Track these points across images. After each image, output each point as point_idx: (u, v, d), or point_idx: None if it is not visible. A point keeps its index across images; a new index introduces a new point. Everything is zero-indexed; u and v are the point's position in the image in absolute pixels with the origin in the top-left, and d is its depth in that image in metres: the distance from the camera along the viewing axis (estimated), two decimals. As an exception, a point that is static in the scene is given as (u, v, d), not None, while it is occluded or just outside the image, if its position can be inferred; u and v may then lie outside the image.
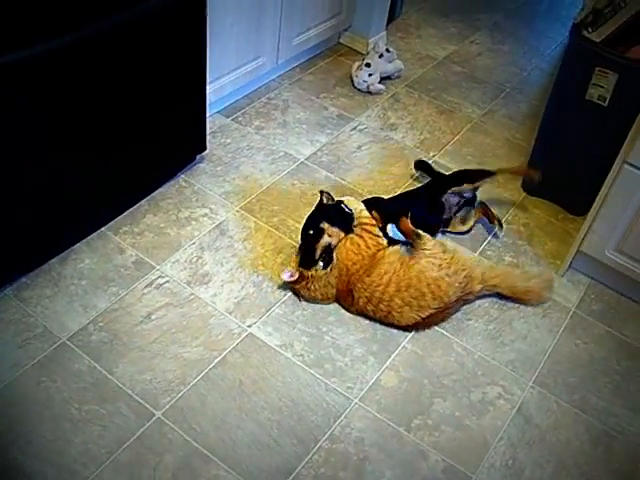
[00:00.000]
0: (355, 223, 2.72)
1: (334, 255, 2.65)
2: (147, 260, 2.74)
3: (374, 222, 2.74)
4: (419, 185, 3.16)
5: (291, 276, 2.61)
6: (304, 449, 2.25)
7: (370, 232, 2.70)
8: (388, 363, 2.54)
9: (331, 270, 2.63)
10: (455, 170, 3.23)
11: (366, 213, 2.75)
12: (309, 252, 2.64)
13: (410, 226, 2.70)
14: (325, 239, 2.65)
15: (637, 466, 2.37)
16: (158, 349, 2.46)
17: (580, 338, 2.74)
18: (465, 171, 3.18)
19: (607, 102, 2.84)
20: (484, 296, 2.79)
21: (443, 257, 2.65)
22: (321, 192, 2.77)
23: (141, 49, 2.52)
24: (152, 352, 2.44)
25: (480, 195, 3.16)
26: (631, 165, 2.55)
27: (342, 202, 2.76)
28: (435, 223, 2.96)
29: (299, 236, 2.76)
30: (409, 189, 3.19)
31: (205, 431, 2.25)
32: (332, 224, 2.68)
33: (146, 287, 2.65)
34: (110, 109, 2.54)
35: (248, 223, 2.95)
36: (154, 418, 2.26)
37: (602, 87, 2.81)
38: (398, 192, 3.16)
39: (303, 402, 2.37)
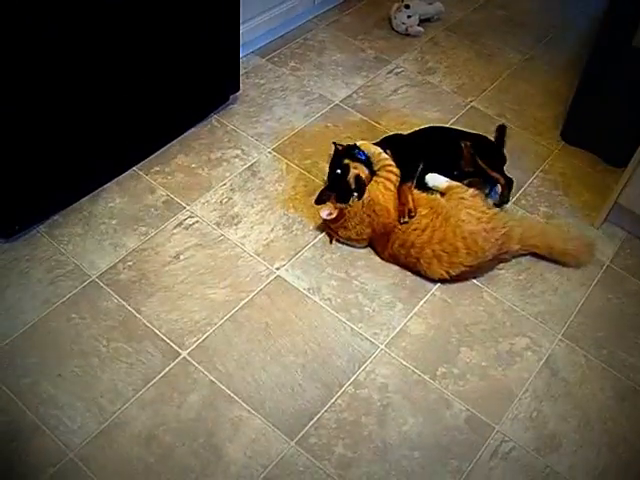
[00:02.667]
0: (377, 167, 2.70)
1: (366, 188, 2.62)
2: (177, 200, 2.74)
3: (393, 165, 2.71)
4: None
5: (329, 214, 2.59)
6: (328, 393, 2.26)
7: (394, 173, 2.68)
8: (416, 310, 2.52)
9: (365, 206, 2.60)
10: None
11: (384, 155, 2.72)
12: (343, 187, 2.62)
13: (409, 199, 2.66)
14: (352, 171, 2.63)
15: (661, 422, 2.35)
16: (185, 289, 2.46)
17: (612, 293, 2.69)
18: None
19: (654, 49, 2.76)
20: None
21: (484, 210, 2.62)
22: (334, 143, 2.77)
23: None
24: (179, 292, 2.45)
25: (516, 141, 3.11)
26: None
27: (357, 147, 2.74)
28: (450, 166, 2.88)
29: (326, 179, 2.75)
30: (431, 125, 3.12)
31: (230, 372, 2.26)
32: (354, 159, 2.67)
33: (175, 227, 2.65)
34: (144, 46, 2.51)
35: (280, 165, 2.93)
36: (180, 357, 2.28)
37: (650, 33, 2.72)
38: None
39: (329, 346, 2.37)
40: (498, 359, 2.42)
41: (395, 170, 2.67)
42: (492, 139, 3.08)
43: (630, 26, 2.75)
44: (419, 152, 2.81)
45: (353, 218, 2.60)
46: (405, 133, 2.99)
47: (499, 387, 2.36)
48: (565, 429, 2.28)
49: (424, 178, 2.74)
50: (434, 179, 2.74)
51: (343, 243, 2.68)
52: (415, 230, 2.55)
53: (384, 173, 2.67)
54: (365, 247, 2.69)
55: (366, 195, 2.60)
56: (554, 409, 2.32)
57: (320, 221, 2.70)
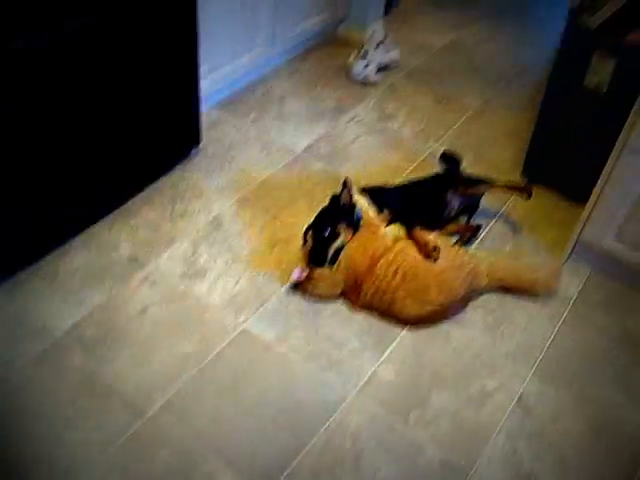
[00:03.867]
0: (362, 222, 2.70)
1: (341, 253, 2.63)
2: (142, 255, 2.72)
3: (378, 222, 2.71)
4: (424, 176, 3.13)
5: (301, 273, 2.60)
6: (300, 443, 2.23)
7: (376, 233, 2.67)
8: (385, 356, 2.51)
9: (337, 267, 2.61)
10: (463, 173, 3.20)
11: (372, 212, 2.72)
12: (321, 251, 2.62)
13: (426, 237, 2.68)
14: (339, 240, 2.63)
15: (638, 457, 2.34)
16: (152, 345, 2.44)
17: (580, 328, 2.71)
18: (468, 177, 3.13)
19: (605, 89, 2.81)
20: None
21: (449, 248, 2.64)
22: (345, 182, 2.72)
23: (131, 43, 2.50)
24: (146, 347, 2.42)
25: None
26: (630, 152, 2.52)
27: (355, 205, 2.73)
28: (433, 219, 2.92)
29: (303, 232, 2.73)
30: (414, 178, 3.14)
31: (200, 426, 2.23)
32: (349, 226, 2.66)
33: (141, 282, 2.63)
34: (102, 104, 2.52)
35: (243, 216, 2.93)
36: (148, 414, 2.24)
37: (600, 74, 2.78)
38: (399, 181, 3.13)
39: (299, 396, 2.35)
40: (470, 401, 2.41)
41: (377, 230, 2.68)
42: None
43: (581, 67, 2.82)
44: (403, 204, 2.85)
45: (324, 279, 2.62)
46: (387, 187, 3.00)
47: (472, 429, 2.35)
48: (541, 468, 2.27)
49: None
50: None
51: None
52: (386, 277, 2.56)
53: (364, 231, 2.67)
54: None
55: (341, 260, 2.63)
56: (529, 448, 2.31)
57: (287, 275, 2.71)
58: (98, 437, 2.17)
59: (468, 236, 2.96)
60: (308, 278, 2.62)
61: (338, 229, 2.64)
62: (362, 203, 2.74)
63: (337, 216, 2.67)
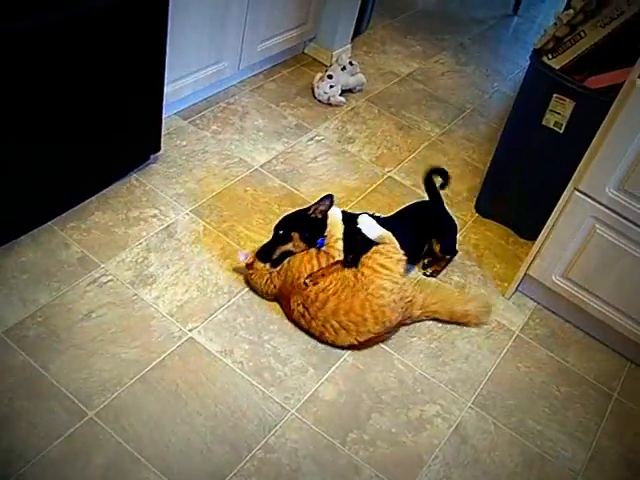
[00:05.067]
0: (324, 248, 2.68)
1: (286, 260, 2.67)
2: (92, 257, 2.70)
3: (340, 258, 2.67)
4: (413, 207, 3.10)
5: (245, 258, 2.66)
6: (237, 457, 2.23)
7: (330, 269, 2.65)
8: (327, 375, 2.53)
9: (278, 272, 2.65)
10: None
11: (339, 245, 2.67)
12: (269, 249, 2.67)
13: None
14: (288, 246, 2.67)
15: (566, 491, 2.39)
16: (96, 348, 2.42)
17: (522, 361, 2.75)
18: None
19: (563, 129, 2.88)
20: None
21: (397, 280, 2.63)
22: (328, 197, 2.71)
23: (98, 43, 2.49)
24: (90, 351, 2.40)
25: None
26: (581, 192, 2.58)
27: (324, 223, 2.71)
28: (413, 254, 2.91)
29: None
30: (404, 209, 3.09)
31: (138, 433, 2.22)
32: (303, 238, 2.67)
33: (89, 285, 2.61)
34: (64, 102, 2.51)
35: (197, 227, 2.93)
36: (86, 417, 2.22)
37: (559, 114, 2.84)
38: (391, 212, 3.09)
39: (239, 410, 2.35)
40: (408, 426, 2.44)
41: (333, 254, 2.66)
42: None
43: (541, 106, 2.88)
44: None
45: (261, 277, 2.67)
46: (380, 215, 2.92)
47: (409, 453, 2.37)
48: (473, 496, 2.30)
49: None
50: (367, 224, 2.72)
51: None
52: (314, 302, 2.56)
53: (322, 254, 2.66)
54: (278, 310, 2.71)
55: (283, 265, 2.66)
56: (463, 476, 2.34)
57: (237, 288, 2.74)
58: (34, 438, 2.14)
59: (443, 266, 3.04)
60: (249, 266, 2.67)
61: (292, 235, 2.66)
62: (334, 231, 2.70)
63: (299, 223, 2.70)
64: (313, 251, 2.67)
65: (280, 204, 3.12)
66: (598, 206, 2.56)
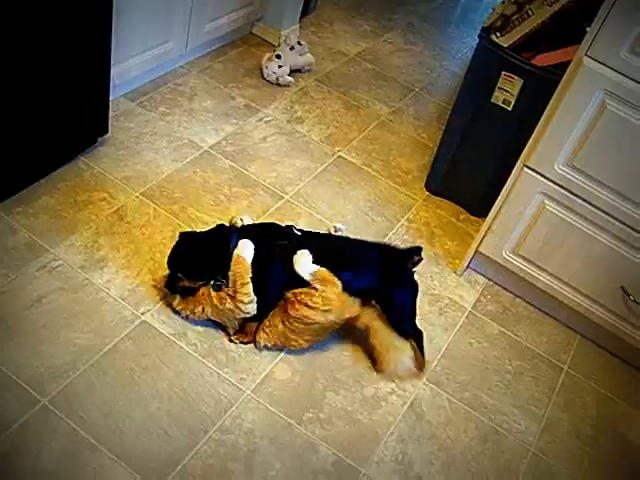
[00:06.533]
0: (227, 291, 2.40)
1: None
2: (40, 242, 2.65)
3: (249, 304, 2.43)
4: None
5: None
6: (193, 439, 2.22)
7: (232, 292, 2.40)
8: (282, 355, 2.53)
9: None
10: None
11: (246, 290, 2.38)
12: (171, 281, 2.52)
13: None
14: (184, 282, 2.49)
15: (522, 462, 2.43)
16: (47, 334, 2.38)
17: (475, 337, 2.79)
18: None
19: (512, 106, 2.90)
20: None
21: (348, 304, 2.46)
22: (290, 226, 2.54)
23: (40, 22, 2.43)
24: (41, 337, 2.37)
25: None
26: (530, 169, 2.61)
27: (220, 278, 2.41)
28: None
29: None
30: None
31: (93, 419, 2.20)
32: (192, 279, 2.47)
33: (38, 270, 2.56)
34: (4, 83, 2.45)
35: (147, 209, 2.90)
36: (39, 405, 2.19)
37: (507, 91, 2.87)
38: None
39: (194, 392, 2.34)
40: (364, 403, 2.45)
41: (241, 299, 2.39)
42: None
43: (490, 84, 2.90)
44: None
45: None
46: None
47: (365, 431, 2.39)
48: (430, 470, 2.33)
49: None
50: (303, 263, 2.40)
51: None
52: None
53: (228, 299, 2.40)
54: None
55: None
56: (419, 451, 2.37)
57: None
58: (-15, 426, 2.11)
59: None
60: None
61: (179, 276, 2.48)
62: (241, 271, 2.38)
63: (189, 261, 2.49)
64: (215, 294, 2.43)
65: (230, 185, 3.11)
66: (547, 182, 2.60)
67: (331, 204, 3.17)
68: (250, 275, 2.37)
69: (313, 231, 2.66)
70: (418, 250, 2.58)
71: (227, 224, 2.57)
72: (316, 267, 2.38)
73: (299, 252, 2.39)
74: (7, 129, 2.57)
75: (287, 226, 2.54)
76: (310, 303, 2.36)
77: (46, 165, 2.89)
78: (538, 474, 2.42)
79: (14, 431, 2.11)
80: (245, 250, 2.39)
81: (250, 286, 2.37)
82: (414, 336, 2.56)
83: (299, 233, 2.51)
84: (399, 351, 2.53)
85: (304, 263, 2.38)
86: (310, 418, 2.37)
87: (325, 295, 2.36)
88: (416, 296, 2.60)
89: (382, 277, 2.51)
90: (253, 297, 2.39)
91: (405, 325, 2.54)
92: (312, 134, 3.55)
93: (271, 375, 2.46)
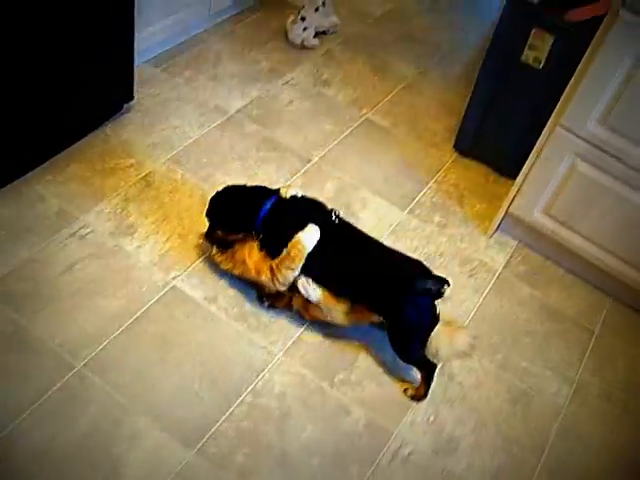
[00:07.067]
0: (282, 255, 2.34)
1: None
2: (70, 210, 2.66)
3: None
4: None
5: None
6: (226, 403, 2.24)
7: (274, 267, 2.38)
8: (312, 319, 2.53)
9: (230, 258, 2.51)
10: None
11: (288, 276, 2.35)
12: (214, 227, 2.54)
13: None
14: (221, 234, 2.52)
15: (553, 425, 2.42)
16: (79, 301, 2.40)
17: (505, 299, 2.77)
18: None
19: (542, 65, 2.85)
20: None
21: None
22: (332, 211, 2.44)
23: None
24: (73, 304, 2.38)
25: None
26: (562, 128, 2.57)
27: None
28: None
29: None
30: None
31: (127, 383, 2.21)
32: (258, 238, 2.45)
33: (68, 238, 2.57)
34: (34, 52, 2.44)
35: (175, 175, 2.89)
36: (74, 370, 2.21)
37: (538, 49, 2.82)
38: None
39: (226, 356, 2.35)
40: (395, 365, 2.45)
41: (278, 278, 2.37)
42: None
43: (519, 42, 2.85)
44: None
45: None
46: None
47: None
48: (461, 432, 2.33)
49: None
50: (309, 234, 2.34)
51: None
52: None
53: (274, 264, 2.37)
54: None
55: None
56: (451, 413, 2.37)
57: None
58: (24, 392, 2.13)
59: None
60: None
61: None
62: (295, 254, 2.32)
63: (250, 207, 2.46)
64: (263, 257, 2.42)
65: (258, 149, 3.09)
66: (580, 142, 2.56)
67: (359, 167, 3.15)
68: (300, 264, 2.32)
69: (351, 224, 2.49)
70: (445, 281, 2.30)
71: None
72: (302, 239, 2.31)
73: (310, 225, 2.33)
74: (34, 98, 2.57)
75: (332, 209, 2.46)
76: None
77: (73, 133, 2.89)
78: (569, 436, 2.41)
79: (51, 396, 2.14)
80: (307, 236, 2.31)
81: (292, 274, 2.34)
82: (420, 362, 2.39)
83: (336, 221, 2.43)
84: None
85: (310, 236, 2.32)
86: (341, 380, 2.38)
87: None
88: (431, 325, 2.33)
89: (394, 292, 2.32)
90: (290, 282, 2.37)
91: (413, 344, 2.36)
92: (338, 97, 3.52)
93: (302, 338, 2.46)
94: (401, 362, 2.41)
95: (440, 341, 2.31)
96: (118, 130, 3.02)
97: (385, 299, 2.32)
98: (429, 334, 2.31)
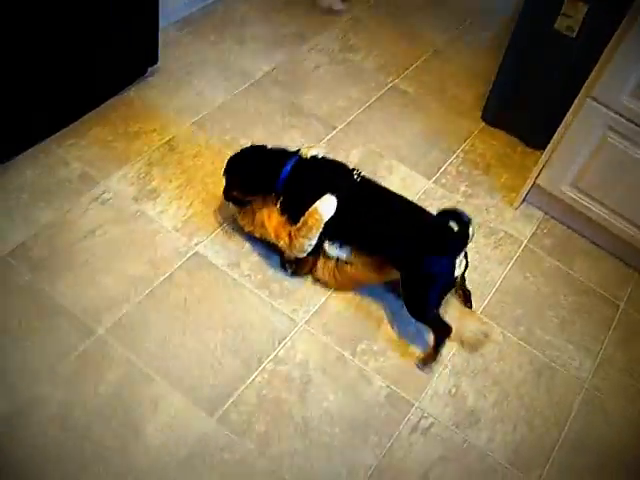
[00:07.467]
0: (299, 224, 2.34)
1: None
2: (93, 174, 2.65)
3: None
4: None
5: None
6: (248, 370, 2.23)
7: (292, 234, 2.37)
8: (336, 287, 2.52)
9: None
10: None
11: (305, 244, 2.35)
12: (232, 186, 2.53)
13: None
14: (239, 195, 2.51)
15: (575, 398, 2.40)
16: (101, 266, 2.39)
17: (530, 271, 2.74)
18: None
19: (575, 33, 2.79)
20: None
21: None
22: (354, 171, 2.43)
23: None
24: (95, 268, 2.38)
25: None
26: (594, 100, 2.51)
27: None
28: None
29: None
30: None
31: (148, 349, 2.21)
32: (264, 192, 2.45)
33: (91, 202, 2.57)
34: (58, 14, 2.42)
35: (199, 140, 2.87)
36: (96, 335, 2.21)
37: (571, 17, 2.76)
38: None
39: (248, 323, 2.34)
40: (418, 336, 2.43)
41: (294, 244, 2.38)
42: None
43: (552, 9, 2.79)
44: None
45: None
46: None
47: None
48: (483, 404, 2.31)
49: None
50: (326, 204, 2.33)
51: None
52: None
53: (294, 230, 2.36)
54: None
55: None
56: (472, 385, 2.35)
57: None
58: (45, 356, 2.14)
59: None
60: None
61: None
62: (313, 222, 2.32)
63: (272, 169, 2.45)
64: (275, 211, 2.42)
65: (283, 114, 3.06)
66: (612, 114, 2.50)
67: (384, 134, 3.11)
68: (318, 233, 2.32)
69: (374, 182, 2.48)
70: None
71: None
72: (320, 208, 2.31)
73: (327, 195, 2.31)
74: (57, 61, 2.54)
75: (353, 169, 2.45)
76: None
77: (97, 97, 2.87)
78: (591, 410, 2.39)
79: (72, 360, 2.14)
80: (324, 206, 2.30)
81: (309, 243, 2.34)
82: (435, 323, 2.36)
83: (358, 180, 2.42)
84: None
85: (327, 205, 2.31)
86: (364, 350, 2.37)
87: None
88: (449, 284, 2.36)
89: (417, 244, 2.31)
90: (306, 251, 2.37)
91: (429, 301, 2.34)
92: (365, 63, 3.47)
93: (325, 306, 2.45)
94: (424, 334, 2.39)
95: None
96: (142, 94, 3.00)
97: (407, 250, 2.30)
98: (446, 292, 2.33)
